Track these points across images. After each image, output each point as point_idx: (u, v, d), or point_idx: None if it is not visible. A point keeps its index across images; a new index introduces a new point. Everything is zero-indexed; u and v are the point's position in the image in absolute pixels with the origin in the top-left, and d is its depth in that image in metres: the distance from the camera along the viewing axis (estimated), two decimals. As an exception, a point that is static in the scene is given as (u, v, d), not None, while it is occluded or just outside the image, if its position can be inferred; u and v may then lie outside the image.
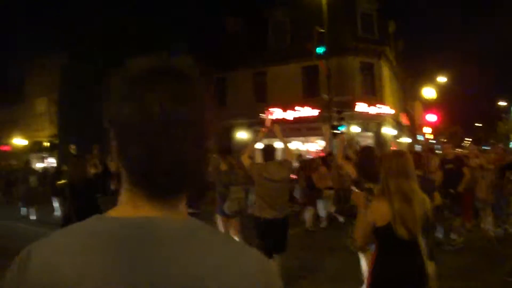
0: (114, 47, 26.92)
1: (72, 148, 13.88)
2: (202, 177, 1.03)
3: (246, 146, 7.67)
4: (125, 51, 26.88)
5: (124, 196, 1.02)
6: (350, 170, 6.29)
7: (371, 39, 26.57)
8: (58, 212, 14.92)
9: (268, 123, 7.34)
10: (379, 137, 26.12)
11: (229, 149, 10.15)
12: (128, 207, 0.99)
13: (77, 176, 7.45)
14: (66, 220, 8.15)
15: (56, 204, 15.36)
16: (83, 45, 29.91)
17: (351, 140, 14.15)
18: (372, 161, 5.50)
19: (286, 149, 7.19)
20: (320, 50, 20.46)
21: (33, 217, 15.10)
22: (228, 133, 27.77)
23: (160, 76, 0.98)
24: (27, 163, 18.86)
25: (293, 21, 27.13)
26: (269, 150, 6.82)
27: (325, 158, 13.96)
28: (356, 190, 5.36)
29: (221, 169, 8.06)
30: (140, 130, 0.94)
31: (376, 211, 3.52)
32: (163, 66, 1.01)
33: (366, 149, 6.66)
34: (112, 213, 1.00)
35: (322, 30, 20.48)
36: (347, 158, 7.51)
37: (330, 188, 12.82)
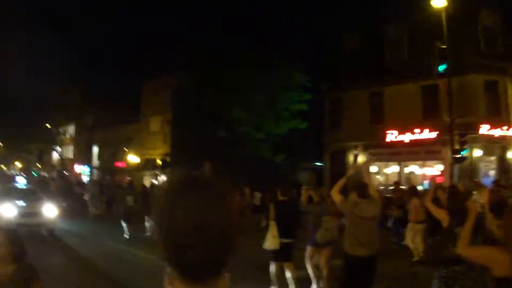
0: (231, 66, 27.38)
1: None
2: (226, 260, 1.23)
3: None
4: (242, 71, 27.14)
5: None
6: (440, 216, 5.78)
7: (495, 55, 24.43)
8: (149, 233, 16.19)
9: (355, 160, 7.80)
10: (503, 162, 23.85)
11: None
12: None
13: None
14: None
15: (148, 223, 16.60)
16: (198, 65, 30.55)
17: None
18: (462, 204, 4.88)
19: (371, 187, 7.04)
20: (442, 67, 19.09)
21: (126, 235, 15.80)
22: (342, 155, 27.02)
23: (190, 188, 1.24)
24: (130, 182, 20.77)
25: (411, 37, 25.78)
26: (361, 187, 6.80)
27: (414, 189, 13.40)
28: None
29: (313, 200, 8.40)
30: (176, 232, 1.18)
31: (495, 260, 3.44)
32: (193, 178, 1.27)
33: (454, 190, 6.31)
34: None
35: (444, 46, 19.13)
36: (436, 199, 7.27)
37: (422, 222, 11.52)
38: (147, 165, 40.41)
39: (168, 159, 37.53)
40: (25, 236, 13.84)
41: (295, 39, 48.61)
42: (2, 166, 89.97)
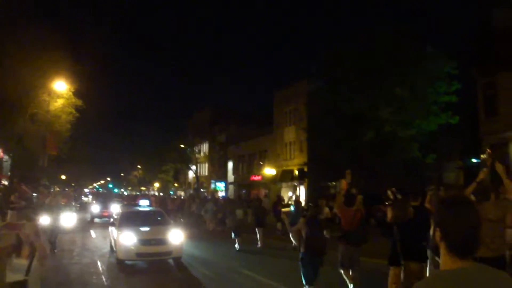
0: (366, 68, 25.31)
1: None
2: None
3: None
4: (390, 64, 24.75)
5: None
6: None
7: None
8: (259, 244, 16.97)
9: (488, 163, 7.04)
10: None
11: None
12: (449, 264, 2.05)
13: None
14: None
15: (258, 235, 17.20)
16: (332, 71, 28.87)
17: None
18: None
19: (508, 188, 6.70)
20: None
21: (237, 247, 16.18)
22: (501, 149, 23.48)
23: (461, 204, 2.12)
24: (239, 196, 20.27)
25: None
26: (483, 190, 6.70)
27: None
28: None
29: None
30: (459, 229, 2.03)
31: None
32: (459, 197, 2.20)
33: None
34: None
35: None
36: None
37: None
38: (284, 176, 39.37)
39: (305, 169, 36.24)
40: (147, 268, 11.94)
41: (436, 21, 44.42)
42: (142, 188, 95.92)
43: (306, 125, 35.60)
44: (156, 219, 14.94)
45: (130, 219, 14.29)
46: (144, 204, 17.43)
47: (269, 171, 40.87)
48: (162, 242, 12.86)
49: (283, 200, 28.02)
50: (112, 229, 14.52)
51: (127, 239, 12.47)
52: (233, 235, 16.67)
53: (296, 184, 38.36)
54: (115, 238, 13.24)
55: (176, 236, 13.04)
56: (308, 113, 35.26)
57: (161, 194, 60.99)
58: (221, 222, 23.55)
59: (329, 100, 29.09)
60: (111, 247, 14.37)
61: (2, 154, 30.86)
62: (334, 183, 33.60)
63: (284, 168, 39.76)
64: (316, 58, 32.22)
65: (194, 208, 27.32)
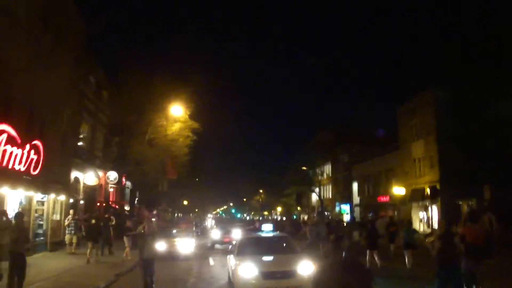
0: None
1: None
2: None
3: None
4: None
5: None
6: None
7: None
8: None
9: None
10: None
11: None
12: None
13: None
14: None
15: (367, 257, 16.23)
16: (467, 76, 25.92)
17: None
18: None
19: None
20: None
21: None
22: None
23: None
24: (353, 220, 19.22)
25: None
26: None
27: None
28: None
29: None
30: None
31: None
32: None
33: None
34: None
35: None
36: None
37: None
38: (415, 196, 36.20)
39: (438, 186, 32.91)
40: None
41: None
42: (265, 212, 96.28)
43: (435, 139, 32.60)
44: (281, 246, 12.64)
45: (251, 246, 12.26)
46: (267, 229, 15.58)
47: (398, 190, 37.98)
48: (289, 274, 10.52)
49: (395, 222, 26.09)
50: (230, 257, 12.69)
51: (247, 271, 10.54)
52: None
53: (427, 203, 35.02)
54: (232, 268, 11.50)
55: (306, 267, 10.55)
56: (438, 124, 32.27)
57: (284, 218, 59.98)
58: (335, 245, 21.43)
59: (461, 110, 26.23)
60: (229, 278, 12.43)
61: (124, 181, 31.93)
62: (470, 203, 30.20)
63: (414, 186, 36.61)
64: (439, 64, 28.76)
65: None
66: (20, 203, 17.06)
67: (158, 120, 28.48)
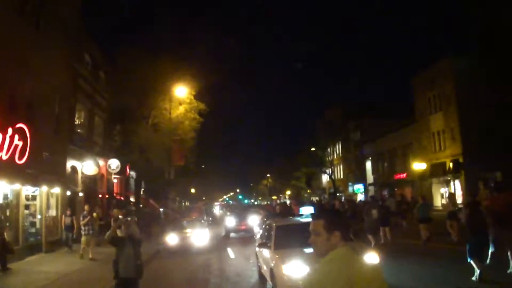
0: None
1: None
2: None
3: None
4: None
5: None
6: None
7: None
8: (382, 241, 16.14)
9: None
10: None
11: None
12: None
13: None
14: None
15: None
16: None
17: None
18: None
19: None
20: None
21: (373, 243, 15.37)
22: None
23: None
24: (372, 197, 22.13)
25: None
26: None
27: None
28: None
29: None
30: None
31: None
32: None
33: None
34: None
35: None
36: None
37: None
38: (435, 171, 34.29)
39: (461, 159, 31.01)
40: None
41: None
42: (274, 197, 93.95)
43: (456, 110, 30.74)
44: None
45: (292, 235, 9.41)
46: (307, 213, 12.51)
47: (418, 165, 35.99)
48: None
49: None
50: (262, 251, 10.35)
51: (296, 269, 7.87)
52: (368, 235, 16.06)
53: (449, 178, 33.14)
54: (271, 266, 9.03)
55: (371, 259, 8.18)
56: (458, 94, 30.40)
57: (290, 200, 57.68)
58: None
59: (481, 78, 24.51)
60: (261, 275, 10.64)
61: (128, 171, 30.00)
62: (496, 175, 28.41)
63: (434, 161, 34.69)
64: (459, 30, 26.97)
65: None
66: (5, 197, 14.67)
67: (161, 102, 26.52)
